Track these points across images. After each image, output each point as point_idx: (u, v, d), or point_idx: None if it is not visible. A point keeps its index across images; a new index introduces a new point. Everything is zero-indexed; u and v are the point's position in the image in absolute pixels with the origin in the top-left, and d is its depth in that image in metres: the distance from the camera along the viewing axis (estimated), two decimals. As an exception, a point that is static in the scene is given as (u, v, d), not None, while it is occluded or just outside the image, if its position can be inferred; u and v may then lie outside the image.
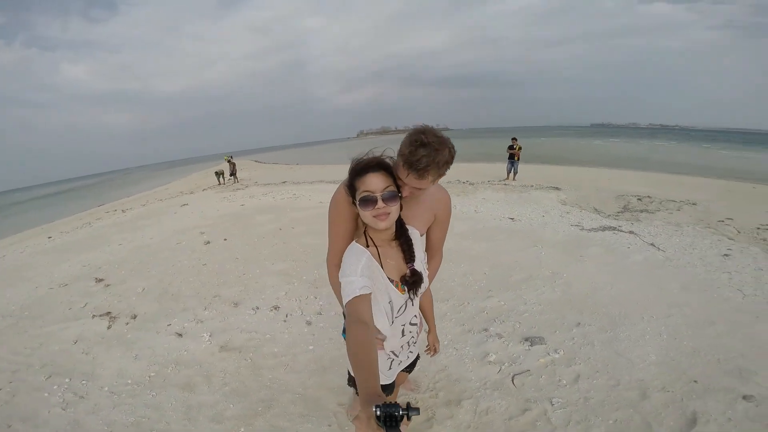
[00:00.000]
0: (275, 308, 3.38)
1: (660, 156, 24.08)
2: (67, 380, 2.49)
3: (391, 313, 1.27)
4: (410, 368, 1.53)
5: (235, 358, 2.64)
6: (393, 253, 1.29)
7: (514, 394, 2.14)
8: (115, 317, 3.41)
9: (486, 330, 2.80)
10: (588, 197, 8.38)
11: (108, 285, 4.27)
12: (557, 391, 2.15)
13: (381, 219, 1.18)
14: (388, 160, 1.25)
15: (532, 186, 10.01)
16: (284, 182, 14.28)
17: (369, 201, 1.17)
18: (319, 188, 11.47)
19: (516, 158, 11.83)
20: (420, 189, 1.27)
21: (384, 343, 1.32)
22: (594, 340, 2.60)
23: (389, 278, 1.25)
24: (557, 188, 9.55)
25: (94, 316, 3.46)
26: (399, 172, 1.23)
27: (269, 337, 2.89)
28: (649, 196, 8.27)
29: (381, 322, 1.27)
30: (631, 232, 5.33)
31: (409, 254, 1.30)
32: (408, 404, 0.88)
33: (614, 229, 5.51)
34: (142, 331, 3.12)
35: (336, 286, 1.40)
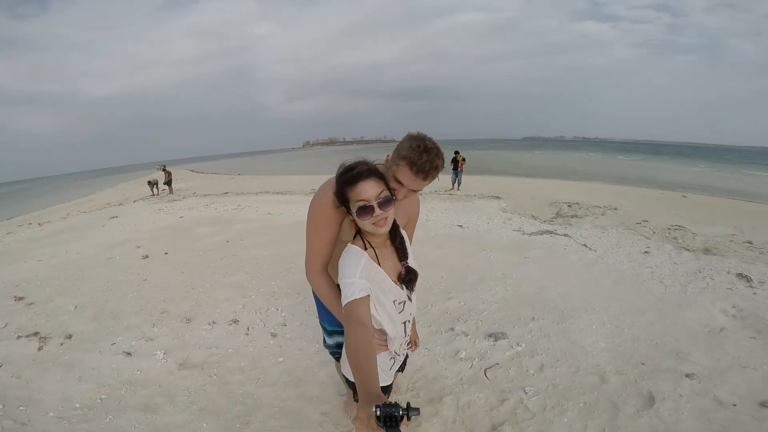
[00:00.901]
0: (234, 322, 3.23)
1: (583, 167, 26.74)
2: (0, 407, 2.18)
3: (395, 312, 1.29)
4: (402, 367, 1.55)
5: (198, 375, 2.47)
6: (388, 253, 1.31)
7: (489, 387, 2.24)
8: (45, 338, 3.03)
9: (452, 329, 2.91)
10: (525, 205, 9.03)
11: (31, 303, 3.79)
12: (527, 380, 2.29)
13: (380, 225, 1.20)
14: (378, 165, 1.28)
15: (475, 195, 10.57)
16: (226, 193, 13.66)
17: (366, 210, 1.17)
18: (265, 199, 11.14)
19: (460, 169, 12.44)
20: (414, 192, 1.32)
21: (388, 342, 1.32)
22: (549, 332, 2.81)
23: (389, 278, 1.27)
24: (498, 197, 10.18)
25: (19, 336, 3.05)
26: (399, 175, 1.26)
27: (232, 352, 2.75)
28: (577, 203, 9.11)
29: (385, 322, 1.28)
30: (565, 235, 5.81)
31: (402, 252, 1.34)
32: (408, 404, 0.88)
33: (551, 232, 5.98)
34: (81, 352, 2.81)
35: (323, 292, 1.38)
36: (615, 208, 8.41)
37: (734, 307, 3.21)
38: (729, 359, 2.45)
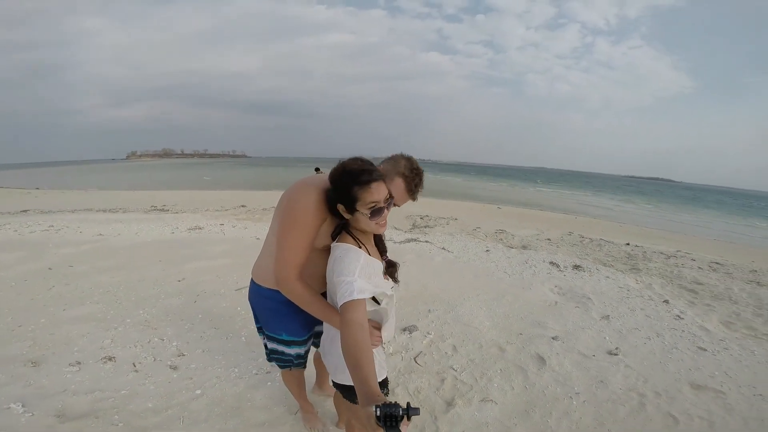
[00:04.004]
0: (109, 359, 2.68)
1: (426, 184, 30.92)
2: None
3: (390, 305, 1.39)
4: None
5: (96, 425, 2.01)
6: (374, 250, 1.41)
7: (425, 372, 2.52)
8: None
9: (370, 329, 3.13)
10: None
11: None
12: (450, 360, 2.67)
13: (383, 225, 1.29)
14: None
15: (340, 211, 11.01)
16: (25, 211, 10.65)
17: (378, 211, 1.23)
18: (88, 218, 9.10)
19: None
20: (394, 206, 1.42)
21: (384, 334, 1.39)
22: (447, 320, 3.31)
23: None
24: (360, 212, 10.86)
25: None
26: (392, 188, 1.36)
27: (127, 393, 2.30)
28: (427, 215, 10.45)
29: (388, 315, 1.36)
30: (426, 242, 6.70)
31: (383, 247, 1.49)
32: (408, 404, 0.88)
33: (415, 240, 6.80)
34: None
35: (305, 298, 1.35)
36: (456, 219, 10.02)
37: (556, 286, 4.36)
38: (571, 324, 3.36)
